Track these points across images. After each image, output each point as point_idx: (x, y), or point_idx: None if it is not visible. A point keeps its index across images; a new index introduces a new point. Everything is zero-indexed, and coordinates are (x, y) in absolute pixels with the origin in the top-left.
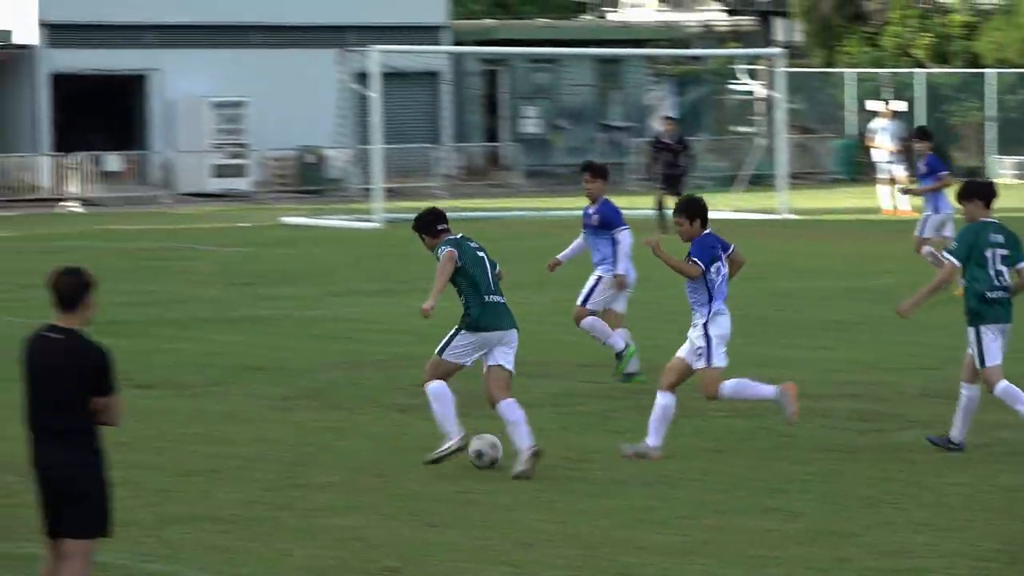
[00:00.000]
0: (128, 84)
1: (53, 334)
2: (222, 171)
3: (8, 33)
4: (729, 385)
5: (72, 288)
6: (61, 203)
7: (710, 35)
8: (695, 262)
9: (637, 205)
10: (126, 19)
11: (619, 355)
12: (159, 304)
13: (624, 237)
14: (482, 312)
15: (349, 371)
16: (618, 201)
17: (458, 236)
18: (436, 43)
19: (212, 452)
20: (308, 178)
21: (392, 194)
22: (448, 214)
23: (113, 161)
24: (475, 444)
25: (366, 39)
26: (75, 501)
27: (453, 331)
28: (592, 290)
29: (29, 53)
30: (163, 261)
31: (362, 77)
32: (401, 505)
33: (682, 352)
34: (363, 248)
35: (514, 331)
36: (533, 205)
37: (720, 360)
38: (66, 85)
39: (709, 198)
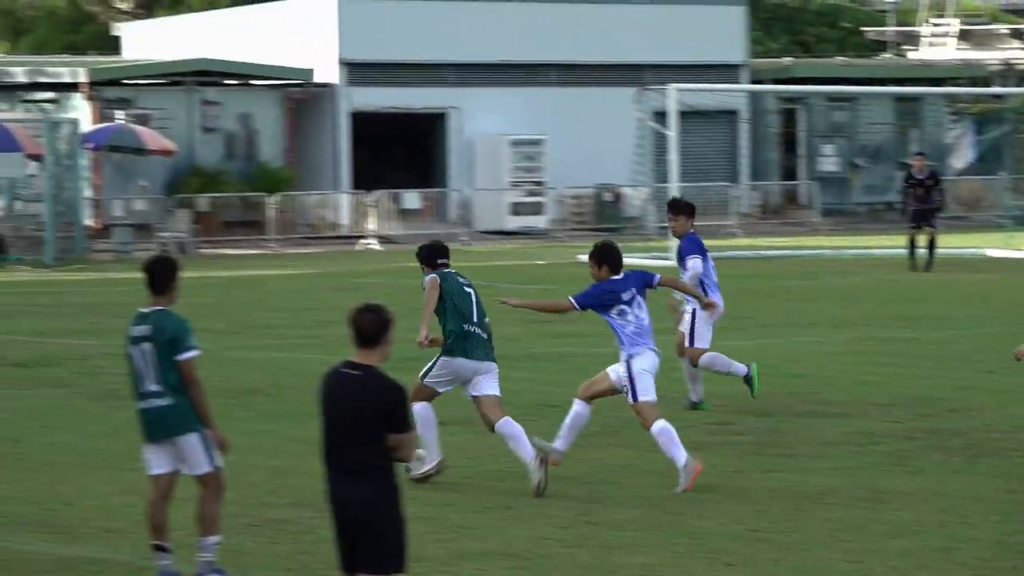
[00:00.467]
0: (427, 122)
1: (351, 371)
2: (519, 209)
3: (310, 72)
4: (659, 426)
5: (372, 325)
6: (360, 240)
7: (1011, 73)
8: (570, 300)
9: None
10: (425, 58)
11: (747, 379)
12: None
13: (692, 265)
14: (459, 340)
15: None
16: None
17: (450, 271)
18: (734, 81)
19: (506, 489)
20: (605, 216)
21: None
22: (745, 253)
23: (412, 199)
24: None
25: (664, 77)
26: (371, 537)
27: (435, 358)
28: (693, 328)
29: (330, 91)
30: None
31: (660, 115)
32: (695, 543)
33: (611, 369)
34: None
35: (489, 363)
36: (831, 244)
37: (645, 394)
38: (365, 123)
39: (1008, 236)
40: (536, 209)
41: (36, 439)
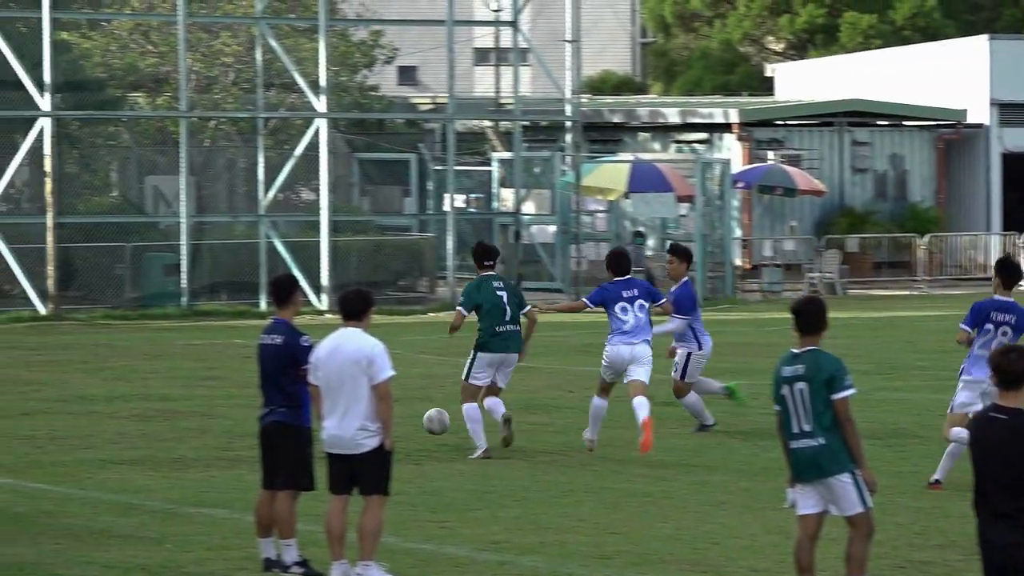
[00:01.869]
0: None
1: (998, 415)
2: None
3: (963, 112)
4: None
5: (1018, 367)
6: None
7: None
8: (583, 300)
9: None
10: None
11: (706, 426)
12: None
13: (673, 324)
14: (491, 338)
15: None
16: None
17: (488, 275)
18: None
19: None
20: None
21: None
22: None
23: None
24: (425, 423)
25: None
26: None
27: (471, 356)
28: (686, 366)
29: (982, 132)
30: None
31: None
32: None
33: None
34: None
35: (513, 355)
36: None
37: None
38: (1015, 164)
39: None
40: None
41: (683, 478)
